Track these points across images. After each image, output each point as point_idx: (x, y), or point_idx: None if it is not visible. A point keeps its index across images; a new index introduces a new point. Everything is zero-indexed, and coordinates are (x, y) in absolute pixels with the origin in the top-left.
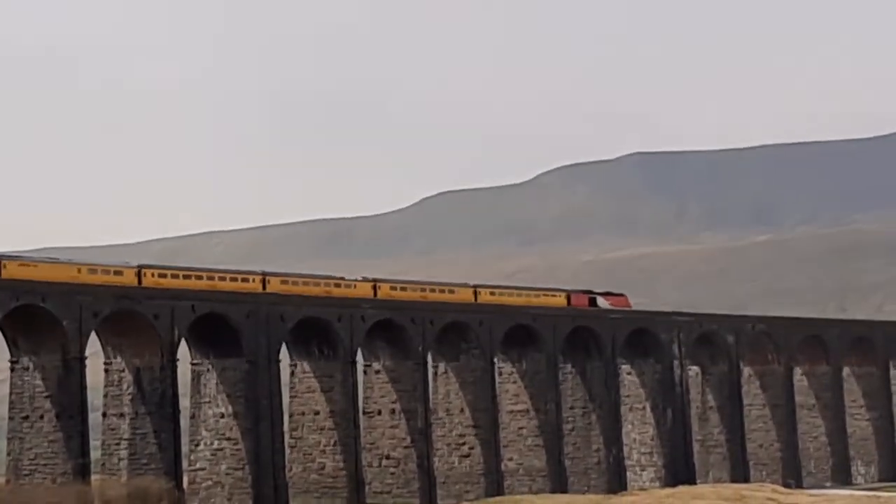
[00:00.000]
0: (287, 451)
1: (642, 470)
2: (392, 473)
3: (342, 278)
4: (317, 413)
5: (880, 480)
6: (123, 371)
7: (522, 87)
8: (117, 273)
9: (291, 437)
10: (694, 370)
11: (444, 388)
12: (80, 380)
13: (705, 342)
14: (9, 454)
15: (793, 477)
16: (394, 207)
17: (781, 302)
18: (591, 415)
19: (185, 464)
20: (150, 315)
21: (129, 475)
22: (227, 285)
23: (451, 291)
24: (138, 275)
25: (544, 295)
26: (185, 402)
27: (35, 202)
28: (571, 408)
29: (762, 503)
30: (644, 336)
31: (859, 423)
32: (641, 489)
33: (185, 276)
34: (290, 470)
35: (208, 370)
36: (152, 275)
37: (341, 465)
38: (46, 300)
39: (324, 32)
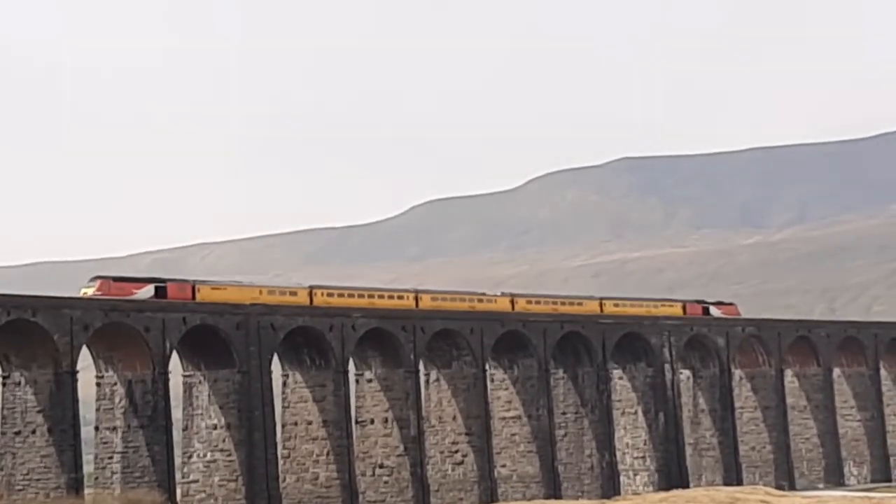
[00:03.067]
0: (280, 461)
1: (635, 474)
2: (385, 482)
3: (483, 293)
4: (309, 423)
5: (873, 481)
6: (115, 384)
7: (511, 94)
8: (292, 293)
9: (284, 448)
10: (685, 374)
11: (437, 395)
12: (71, 394)
13: (696, 345)
14: (1, 470)
15: (785, 479)
16: (385, 216)
17: (771, 304)
18: (584, 420)
19: (178, 476)
20: (140, 328)
21: (122, 488)
22: (386, 303)
23: (580, 304)
24: (310, 294)
25: (662, 305)
26: (177, 414)
27: (26, 216)
28: (563, 413)
29: None
30: (635, 340)
31: (851, 423)
32: (635, 494)
33: (350, 295)
34: (284, 480)
35: (200, 382)
36: (321, 294)
37: (335, 474)
38: (37, 314)
39: (315, 43)
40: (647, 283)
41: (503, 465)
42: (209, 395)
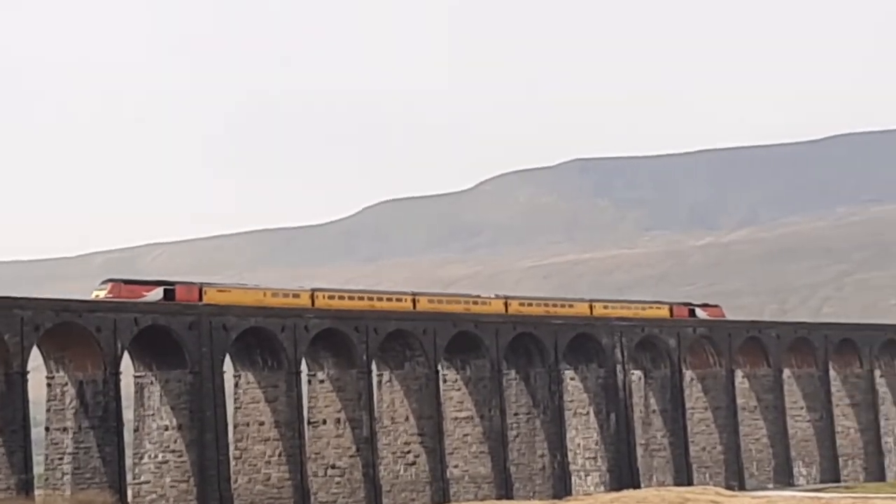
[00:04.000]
0: (232, 462)
1: (587, 475)
2: (337, 483)
3: (478, 296)
4: (261, 424)
5: (822, 481)
6: (66, 385)
7: (464, 94)
8: (295, 296)
9: (236, 449)
10: (636, 374)
11: (389, 396)
12: (22, 394)
13: (647, 346)
14: None
15: (735, 479)
16: (338, 216)
17: (721, 305)
18: (536, 420)
19: (129, 477)
20: (92, 328)
21: (72, 489)
22: (385, 305)
23: (570, 306)
24: (312, 297)
25: (650, 307)
26: (128, 415)
27: None
28: (516, 414)
29: None
30: (586, 341)
31: (800, 424)
32: (586, 494)
33: (351, 298)
34: (236, 481)
35: (152, 382)
36: (323, 297)
37: (286, 475)
38: None
39: (263, 41)
40: (598, 285)
41: (455, 466)
42: (161, 396)
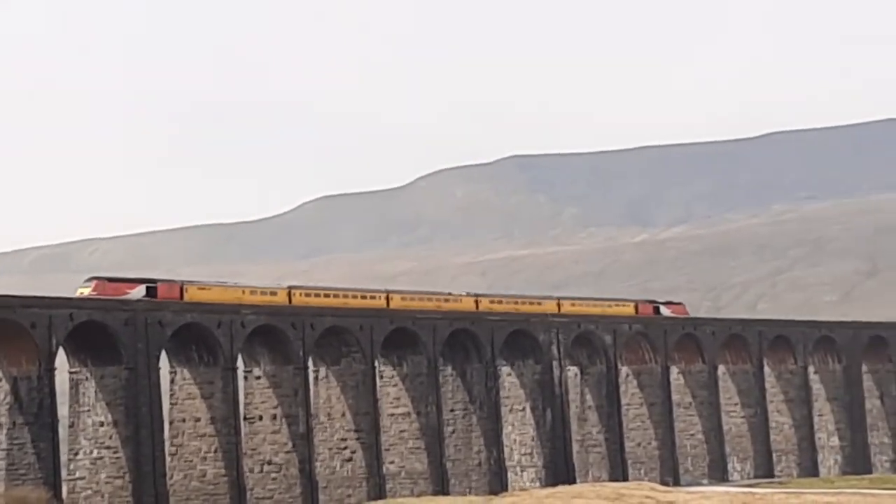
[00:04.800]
0: (168, 458)
1: (523, 470)
2: (274, 479)
3: (450, 293)
4: (197, 420)
5: (756, 477)
6: (0, 381)
7: (401, 90)
8: (272, 293)
9: (172, 445)
10: (573, 370)
11: (326, 392)
12: None
13: (583, 342)
14: None
15: (670, 474)
16: (274, 212)
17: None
18: (472, 416)
19: (63, 473)
20: (27, 323)
21: (6, 486)
22: (360, 303)
23: (539, 304)
24: (289, 294)
25: (616, 305)
26: (63, 411)
27: None
28: (452, 410)
29: (640, 501)
30: (523, 337)
31: (735, 420)
32: (522, 489)
33: (326, 295)
34: (171, 477)
35: (87, 378)
36: (300, 294)
37: (222, 471)
38: None
39: (202, 36)
40: (534, 281)
41: (391, 462)
42: (96, 392)
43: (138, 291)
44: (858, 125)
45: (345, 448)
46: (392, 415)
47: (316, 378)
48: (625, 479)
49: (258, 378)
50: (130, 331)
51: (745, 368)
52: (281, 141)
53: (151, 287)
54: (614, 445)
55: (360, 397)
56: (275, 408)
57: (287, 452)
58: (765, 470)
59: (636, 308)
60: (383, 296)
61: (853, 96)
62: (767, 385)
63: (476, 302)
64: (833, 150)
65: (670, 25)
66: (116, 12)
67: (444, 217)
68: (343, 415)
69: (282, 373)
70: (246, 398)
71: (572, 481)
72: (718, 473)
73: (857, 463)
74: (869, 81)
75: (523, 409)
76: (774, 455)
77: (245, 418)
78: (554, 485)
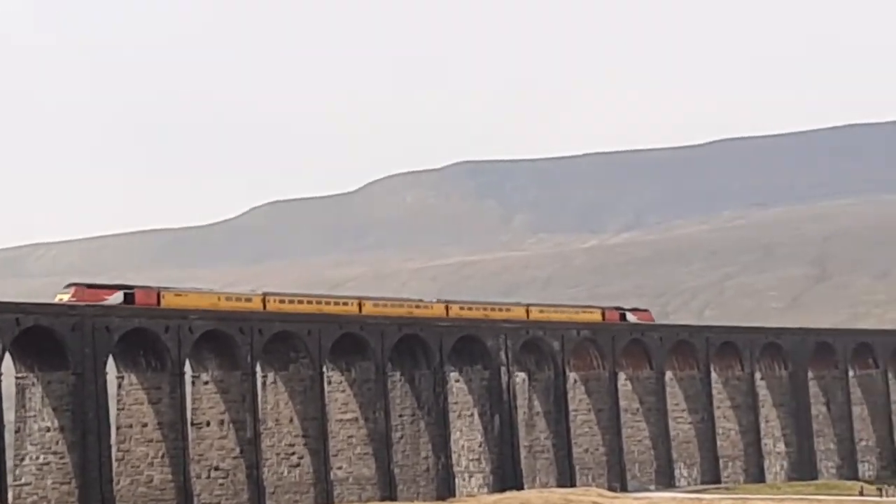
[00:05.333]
0: (114, 464)
1: (470, 476)
2: (221, 485)
3: (420, 300)
4: (144, 425)
5: (703, 483)
6: None
7: (350, 96)
8: (247, 300)
9: (119, 450)
10: (521, 376)
11: (274, 397)
12: None
13: (531, 348)
14: None
15: (618, 480)
16: (224, 217)
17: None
18: (420, 422)
19: (9, 479)
20: None
21: None
22: (332, 309)
23: (508, 310)
24: (263, 301)
25: (583, 311)
26: (9, 417)
27: None
28: (400, 415)
29: None
30: (471, 343)
31: (682, 426)
32: (470, 495)
33: (300, 302)
34: (118, 483)
35: (33, 384)
36: (275, 301)
37: (169, 477)
38: None
39: (152, 42)
40: (484, 287)
41: (339, 468)
42: (42, 398)
43: (116, 297)
44: (807, 133)
45: (292, 454)
46: (340, 420)
47: (264, 384)
48: (572, 484)
49: (206, 383)
50: (77, 336)
51: (692, 374)
52: (231, 146)
53: (129, 293)
54: (562, 451)
55: (307, 403)
56: (222, 413)
57: (234, 458)
58: (712, 476)
59: (603, 315)
60: (356, 302)
61: (802, 104)
62: (714, 391)
63: (447, 308)
64: (782, 158)
65: (621, 33)
66: (71, 14)
67: (395, 222)
68: (291, 420)
69: (229, 378)
70: (193, 403)
71: (520, 487)
72: (665, 479)
73: (803, 469)
74: (817, 89)
75: (471, 414)
76: (721, 461)
77: (192, 424)
78: (502, 490)
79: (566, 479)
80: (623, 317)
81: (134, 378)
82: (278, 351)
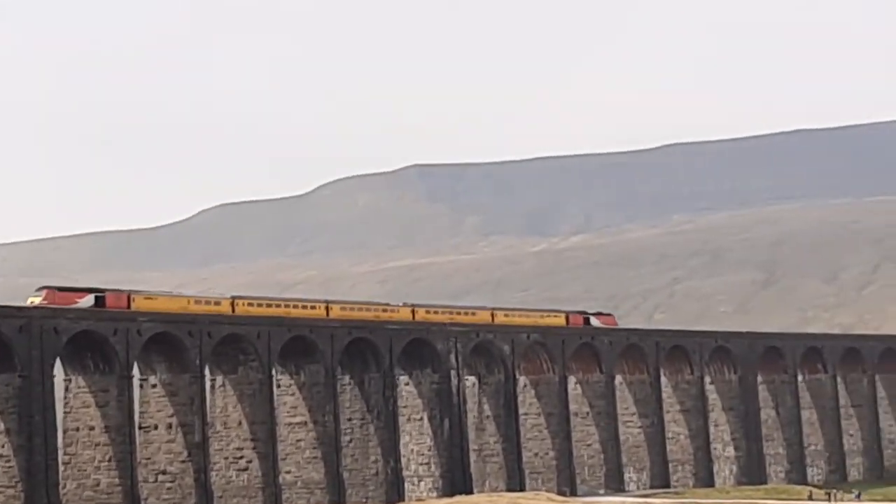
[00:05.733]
0: (61, 467)
1: (420, 480)
2: (168, 489)
3: (387, 304)
4: (92, 428)
5: (652, 487)
6: None
7: (301, 98)
8: (217, 303)
9: (66, 454)
10: (471, 380)
11: (222, 400)
12: None
13: (481, 352)
14: None
15: (567, 484)
16: (172, 220)
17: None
18: (369, 426)
19: None
20: None
21: None
22: (303, 312)
23: (473, 314)
24: (232, 304)
25: (547, 315)
26: None
27: None
28: (349, 419)
29: None
30: (421, 346)
31: (631, 430)
32: (419, 499)
33: (268, 305)
34: (64, 487)
35: None
36: (243, 304)
37: (116, 480)
38: None
39: (98, 44)
40: (434, 290)
41: (288, 471)
42: None
43: (87, 300)
44: (755, 137)
45: (241, 457)
46: (289, 424)
47: (212, 386)
48: (522, 488)
49: (154, 386)
50: (25, 338)
51: (642, 378)
52: (181, 148)
53: (100, 296)
54: (511, 455)
55: (256, 406)
56: (170, 416)
57: (182, 462)
58: (661, 480)
59: (567, 319)
60: (323, 306)
61: (750, 109)
62: (664, 395)
63: (413, 312)
64: (731, 162)
65: (571, 37)
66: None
67: (345, 225)
68: (239, 424)
69: (178, 381)
70: (141, 407)
71: (469, 491)
72: (615, 483)
73: (752, 473)
74: (766, 95)
75: (421, 418)
76: (670, 465)
77: (140, 427)
78: (451, 495)
79: (516, 483)
80: (587, 321)
81: (81, 381)
82: (227, 354)
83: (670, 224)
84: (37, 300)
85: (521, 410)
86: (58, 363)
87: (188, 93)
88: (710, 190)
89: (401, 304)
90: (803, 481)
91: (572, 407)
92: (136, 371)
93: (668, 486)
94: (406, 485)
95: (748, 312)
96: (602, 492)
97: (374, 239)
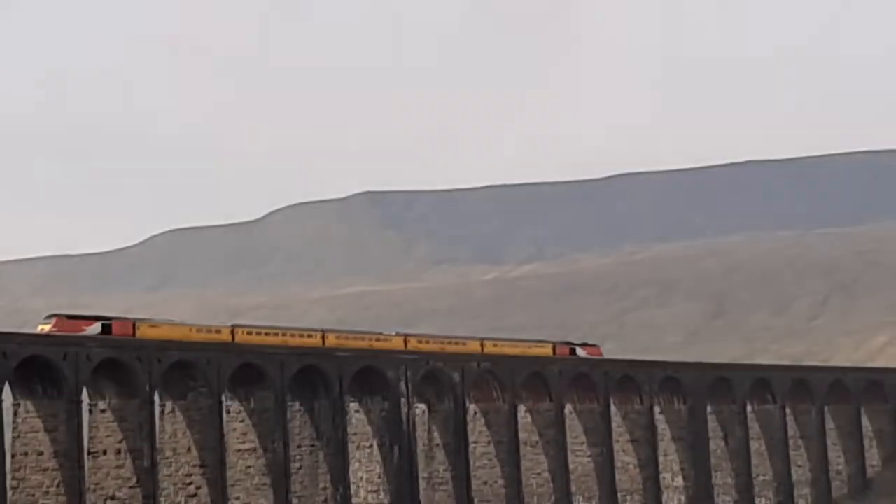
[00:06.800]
0: (9, 492)
1: None
2: None
3: (381, 333)
4: (40, 454)
5: None
6: None
7: (251, 124)
8: (217, 332)
9: (13, 479)
10: (420, 408)
11: (171, 427)
12: None
13: (431, 380)
14: None
15: None
16: (123, 244)
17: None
18: (319, 453)
19: None
20: None
21: None
22: (295, 341)
23: (464, 344)
24: (232, 333)
25: (534, 346)
26: None
27: None
28: (299, 446)
29: None
30: (371, 374)
31: (581, 459)
32: None
33: (273, 334)
34: None
35: None
36: (243, 333)
37: None
38: None
39: (44, 66)
40: (384, 317)
41: (237, 498)
42: None
43: (94, 328)
44: (706, 169)
45: (190, 483)
46: (238, 451)
47: (162, 412)
48: None
49: (103, 411)
50: None
51: (591, 408)
52: (130, 173)
53: (107, 324)
54: (461, 483)
55: (205, 432)
56: (119, 442)
57: (131, 487)
58: None
59: (553, 349)
60: (319, 335)
61: (700, 140)
62: (614, 424)
63: (405, 341)
64: (681, 193)
65: (520, 66)
66: None
67: (296, 251)
68: (189, 450)
69: (127, 407)
70: (90, 432)
71: None
72: None
73: (701, 502)
74: (716, 126)
75: (370, 445)
76: (619, 494)
77: (89, 452)
78: None
79: None
80: (573, 351)
81: (30, 405)
82: (177, 380)
83: (621, 254)
84: (46, 327)
85: (470, 439)
86: (6, 388)
87: (139, 118)
88: (660, 220)
89: (394, 332)
90: None
91: (522, 435)
92: (85, 396)
93: None
94: None
95: (698, 343)
96: None
97: (325, 265)
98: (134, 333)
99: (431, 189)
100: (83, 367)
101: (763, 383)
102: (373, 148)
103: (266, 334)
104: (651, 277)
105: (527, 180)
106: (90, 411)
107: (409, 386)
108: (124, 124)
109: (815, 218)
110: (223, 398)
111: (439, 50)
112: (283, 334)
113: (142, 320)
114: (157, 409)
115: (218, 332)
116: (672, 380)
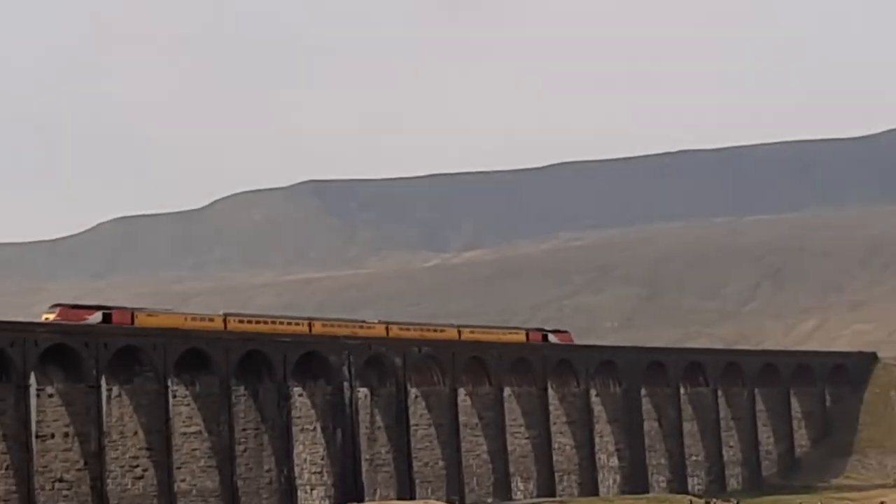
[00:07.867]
0: None
1: (312, 489)
2: (65, 496)
3: (363, 321)
4: None
5: (538, 496)
6: None
7: (197, 111)
8: (210, 320)
9: None
10: (363, 391)
11: (118, 410)
12: None
13: (374, 364)
14: None
15: (456, 493)
16: (68, 232)
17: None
18: (263, 436)
19: None
20: None
21: None
22: (286, 329)
23: (442, 331)
24: (224, 321)
25: (509, 333)
26: None
27: None
28: (244, 429)
29: None
30: (315, 358)
31: (519, 441)
32: None
33: (258, 322)
34: None
35: None
36: (234, 321)
37: (13, 488)
38: None
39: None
40: (328, 303)
41: (183, 480)
42: None
43: (96, 317)
44: (639, 158)
45: (136, 466)
46: (184, 434)
47: (109, 396)
48: (412, 497)
49: (50, 396)
50: None
51: (529, 391)
52: (78, 160)
53: (107, 313)
54: (402, 465)
55: (152, 416)
56: (67, 426)
57: (79, 470)
58: (547, 489)
59: (527, 336)
60: (306, 323)
61: (636, 130)
62: (551, 407)
63: (387, 329)
64: (617, 181)
65: (460, 55)
66: None
67: (242, 239)
68: (135, 433)
69: (74, 391)
70: (38, 416)
71: (361, 500)
72: (503, 493)
73: (636, 483)
74: (648, 117)
75: (314, 428)
76: (556, 475)
77: (37, 436)
78: (343, 503)
79: (406, 492)
80: (545, 338)
81: None
82: (123, 364)
83: (558, 241)
84: (51, 316)
85: (411, 421)
86: None
87: (85, 105)
88: (596, 208)
89: (376, 320)
90: (684, 490)
91: (462, 418)
92: (33, 380)
93: (553, 495)
94: (299, 493)
95: (633, 327)
96: (490, 501)
97: (270, 252)
98: (133, 322)
99: (373, 178)
100: (31, 352)
101: (696, 367)
102: (316, 137)
103: (257, 322)
104: (587, 264)
105: (466, 169)
106: (38, 395)
107: (352, 370)
108: (71, 113)
109: (746, 206)
110: (169, 382)
111: (380, 37)
112: (269, 322)
113: (140, 309)
114: (104, 394)
115: (211, 320)
116: (608, 363)
